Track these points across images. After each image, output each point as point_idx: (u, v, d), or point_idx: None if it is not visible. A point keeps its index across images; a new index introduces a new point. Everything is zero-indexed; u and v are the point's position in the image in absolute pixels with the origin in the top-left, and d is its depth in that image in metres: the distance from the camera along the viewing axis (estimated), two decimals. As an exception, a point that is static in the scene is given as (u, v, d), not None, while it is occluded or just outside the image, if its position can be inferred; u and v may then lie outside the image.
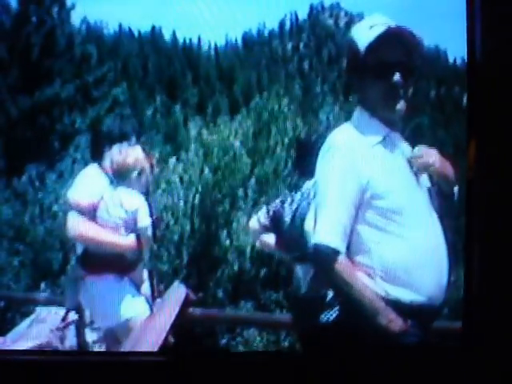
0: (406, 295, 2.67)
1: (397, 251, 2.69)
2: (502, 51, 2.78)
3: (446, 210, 2.85)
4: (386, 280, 2.67)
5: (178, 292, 4.36)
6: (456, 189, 2.85)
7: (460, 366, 2.88)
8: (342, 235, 2.69)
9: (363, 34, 2.81)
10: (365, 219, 2.71)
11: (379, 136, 2.82)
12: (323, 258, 2.70)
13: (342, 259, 2.68)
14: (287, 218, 3.71)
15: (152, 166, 4.32)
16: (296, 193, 3.81)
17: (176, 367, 3.11)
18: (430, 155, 2.82)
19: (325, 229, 2.70)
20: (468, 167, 2.81)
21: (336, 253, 2.68)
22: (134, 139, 4.40)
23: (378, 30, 2.78)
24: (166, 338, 3.92)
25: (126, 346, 3.90)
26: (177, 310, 4.20)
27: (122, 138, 4.35)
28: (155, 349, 3.81)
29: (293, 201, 3.74)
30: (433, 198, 2.82)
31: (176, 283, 4.68)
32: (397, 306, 2.65)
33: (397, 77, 2.78)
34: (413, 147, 2.91)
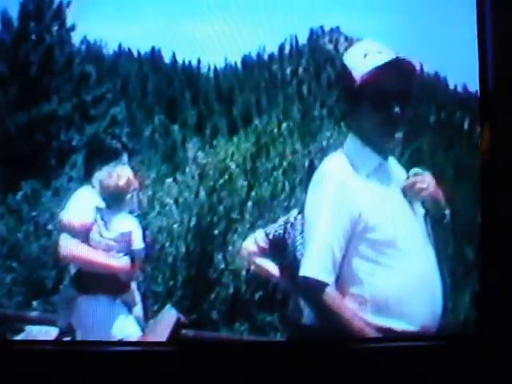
0: (397, 325, 2.66)
1: (389, 282, 2.68)
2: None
3: (439, 235, 2.84)
4: (377, 310, 2.65)
5: (168, 315, 4.35)
6: (447, 212, 2.83)
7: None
8: (330, 267, 2.69)
9: (358, 63, 2.78)
10: (356, 251, 2.71)
11: (372, 165, 2.79)
12: (311, 291, 2.68)
13: (330, 291, 2.67)
14: (299, 247, 3.69)
15: (141, 186, 4.29)
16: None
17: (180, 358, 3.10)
18: (423, 180, 2.80)
19: (313, 261, 2.70)
20: (481, 152, 2.80)
21: (324, 285, 2.65)
22: (125, 158, 4.38)
23: (375, 59, 2.75)
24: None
25: None
26: (167, 333, 4.18)
27: (113, 156, 4.31)
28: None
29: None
30: (427, 226, 2.80)
31: (167, 306, 4.66)
32: (389, 334, 2.63)
33: (396, 107, 2.75)
34: (407, 173, 2.88)
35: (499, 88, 2.81)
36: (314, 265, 2.70)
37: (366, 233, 2.71)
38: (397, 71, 2.77)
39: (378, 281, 2.70)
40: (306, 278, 2.70)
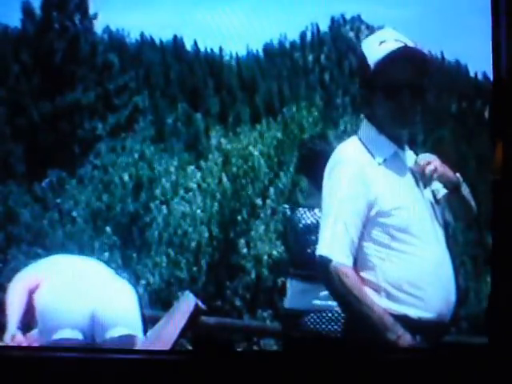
0: (413, 311, 2.63)
1: (402, 268, 2.64)
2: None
3: (458, 213, 2.82)
4: (392, 296, 2.63)
5: (186, 302, 4.31)
6: (461, 182, 2.81)
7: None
8: (349, 250, 2.63)
9: (373, 50, 2.74)
10: (370, 236, 2.63)
11: (387, 153, 2.75)
12: (331, 273, 2.64)
13: (350, 273, 2.60)
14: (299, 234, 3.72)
15: None
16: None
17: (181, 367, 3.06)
18: (429, 163, 2.78)
19: (332, 243, 2.62)
20: (494, 169, 2.76)
21: (344, 267, 2.64)
22: None
23: (388, 47, 2.72)
24: (173, 348, 3.90)
25: None
26: (184, 320, 4.15)
27: None
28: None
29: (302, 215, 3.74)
30: (437, 212, 2.79)
31: (186, 293, 4.62)
32: (405, 321, 2.61)
33: (406, 97, 2.72)
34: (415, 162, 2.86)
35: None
36: (331, 244, 2.60)
37: (381, 217, 2.64)
38: (407, 60, 2.73)
39: (391, 266, 2.66)
40: (323, 258, 2.66)
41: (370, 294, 2.60)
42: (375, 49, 2.73)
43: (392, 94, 2.70)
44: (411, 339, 2.56)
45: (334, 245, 2.62)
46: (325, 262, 2.61)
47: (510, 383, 2.70)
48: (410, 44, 2.73)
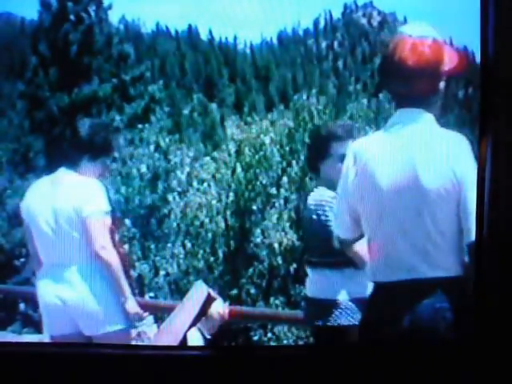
0: None
1: None
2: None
3: None
4: None
5: (198, 291, 4.42)
6: None
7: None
8: None
9: None
10: None
11: None
12: None
13: None
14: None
15: None
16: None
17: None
18: None
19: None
20: (480, 167, 2.87)
21: None
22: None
23: None
24: (184, 338, 4.01)
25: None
26: (197, 309, 4.24)
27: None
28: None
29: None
30: None
31: (198, 282, 4.73)
32: None
33: None
34: None
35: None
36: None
37: None
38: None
39: None
40: None
41: None
42: None
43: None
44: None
45: None
46: None
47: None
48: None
